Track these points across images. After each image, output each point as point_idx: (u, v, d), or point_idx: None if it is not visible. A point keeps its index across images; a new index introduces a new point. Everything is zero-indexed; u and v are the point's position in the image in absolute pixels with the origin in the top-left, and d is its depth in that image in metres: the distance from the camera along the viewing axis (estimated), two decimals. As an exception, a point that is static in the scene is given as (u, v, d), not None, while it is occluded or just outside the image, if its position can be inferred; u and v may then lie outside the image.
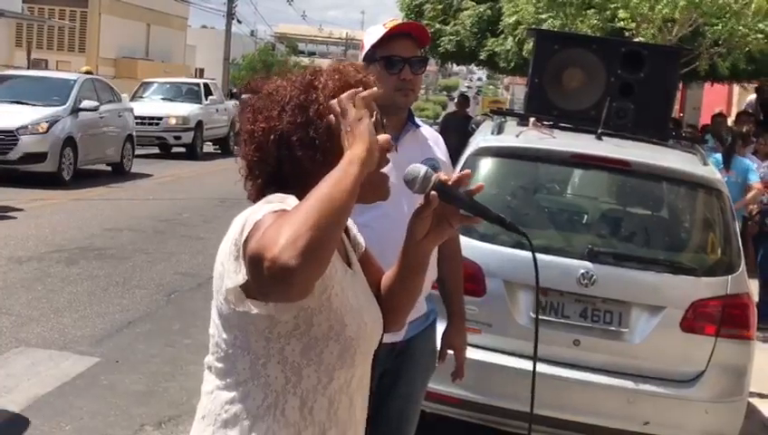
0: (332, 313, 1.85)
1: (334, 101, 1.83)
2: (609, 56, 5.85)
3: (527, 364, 4.67)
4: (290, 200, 1.84)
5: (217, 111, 24.55)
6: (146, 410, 5.46)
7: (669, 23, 10.26)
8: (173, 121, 22.40)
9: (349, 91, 1.83)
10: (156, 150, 22.50)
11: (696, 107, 23.82)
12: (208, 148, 24.84)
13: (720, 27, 10.18)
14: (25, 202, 12.79)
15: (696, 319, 4.65)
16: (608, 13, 10.77)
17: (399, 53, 3.09)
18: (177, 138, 22.50)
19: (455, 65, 31.42)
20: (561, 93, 5.89)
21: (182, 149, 22.68)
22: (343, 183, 1.68)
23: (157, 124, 22.24)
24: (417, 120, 3.28)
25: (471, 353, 4.64)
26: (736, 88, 20.47)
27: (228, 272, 1.80)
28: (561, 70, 5.91)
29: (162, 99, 23.81)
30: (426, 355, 3.32)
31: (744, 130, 9.92)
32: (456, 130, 14.47)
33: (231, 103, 25.82)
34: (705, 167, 5.22)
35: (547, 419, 4.66)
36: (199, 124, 23.10)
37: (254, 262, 1.65)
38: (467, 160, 5.11)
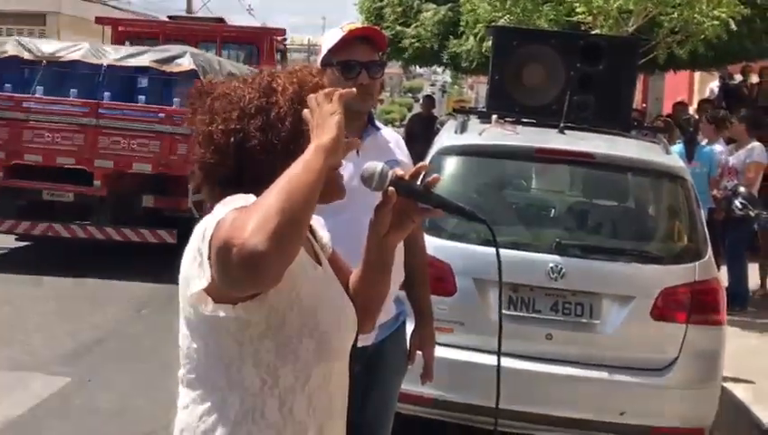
0: (304, 309, 1.85)
1: (312, 96, 1.82)
2: (567, 50, 5.87)
3: (503, 360, 4.63)
4: (251, 200, 1.81)
5: None
6: (119, 428, 5.40)
7: (625, 14, 10.32)
8: None
9: (327, 90, 1.83)
10: None
11: (659, 97, 24.00)
12: None
13: (676, 16, 10.25)
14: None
15: (665, 307, 4.67)
16: (563, 7, 10.81)
17: (357, 58, 3.06)
18: None
19: (418, 67, 31.40)
20: (521, 89, 5.91)
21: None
22: (310, 168, 1.68)
23: None
24: (378, 123, 3.26)
25: (444, 353, 4.66)
26: (697, 76, 20.64)
27: (192, 278, 1.78)
28: (520, 66, 5.92)
29: None
30: (397, 357, 3.30)
31: (721, 115, 9.91)
32: (423, 131, 14.52)
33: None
34: (668, 156, 5.25)
35: (523, 414, 4.66)
36: None
37: (223, 252, 1.62)
38: (432, 160, 5.10)
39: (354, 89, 1.87)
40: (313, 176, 1.67)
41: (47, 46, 10.28)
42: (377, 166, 1.87)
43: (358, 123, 3.11)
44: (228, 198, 1.84)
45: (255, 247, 1.56)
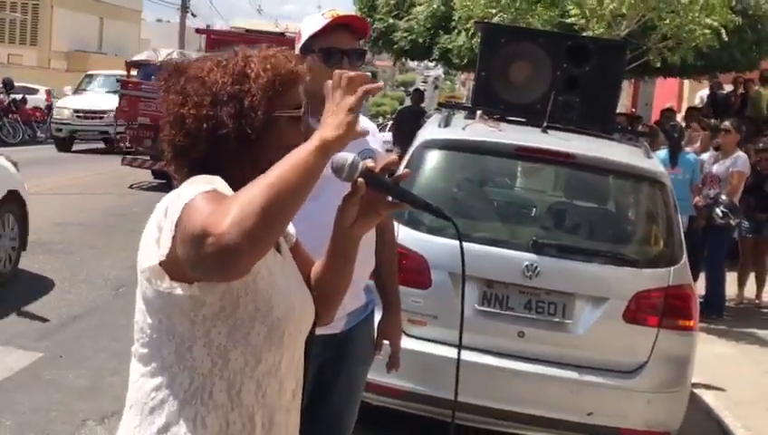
0: (258, 294, 1.83)
1: (338, 73, 1.77)
2: (555, 50, 5.87)
3: (474, 356, 4.68)
4: (218, 182, 1.81)
5: None
6: (89, 405, 5.38)
7: (619, 17, 10.33)
8: None
9: (355, 74, 1.77)
10: (101, 145, 22.17)
11: (648, 103, 24.06)
12: None
13: (668, 22, 10.27)
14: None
15: (638, 310, 4.69)
16: (558, 9, 10.82)
17: (338, 45, 3.02)
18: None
19: (410, 61, 31.37)
20: (507, 87, 5.91)
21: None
22: (305, 168, 1.65)
23: (100, 118, 21.55)
24: None
25: (417, 345, 4.67)
26: (687, 84, 20.69)
27: (148, 251, 1.78)
28: (507, 63, 5.93)
29: (107, 92, 22.77)
30: (365, 345, 3.30)
31: (722, 125, 9.94)
32: (411, 124, 14.52)
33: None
34: (649, 160, 5.26)
35: (492, 410, 4.67)
36: None
37: (198, 239, 1.61)
38: (414, 153, 5.11)
39: (381, 82, 1.87)
40: (306, 177, 1.65)
41: (160, 55, 16.27)
42: (347, 157, 1.85)
43: None
44: (195, 177, 1.84)
45: (231, 243, 1.56)
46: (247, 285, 1.81)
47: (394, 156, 1.91)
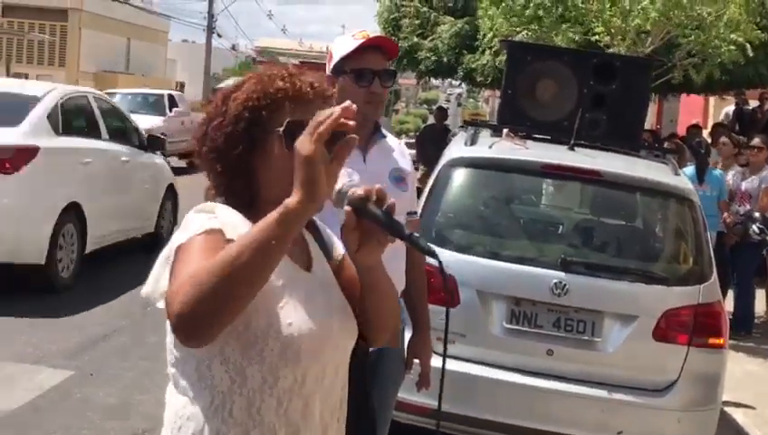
0: (271, 310, 1.82)
1: (301, 139, 1.67)
2: (581, 67, 5.87)
3: (502, 374, 4.67)
4: (219, 211, 1.86)
5: (183, 123, 22.59)
6: (119, 423, 5.40)
7: (643, 34, 10.31)
8: None
9: (309, 126, 1.67)
10: None
11: (673, 119, 23.95)
12: (173, 162, 22.33)
13: (693, 38, 10.23)
14: None
15: (668, 328, 4.66)
16: (582, 27, 10.80)
17: (370, 66, 3.07)
18: None
19: (434, 79, 31.41)
20: (534, 104, 5.91)
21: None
22: (261, 244, 1.63)
23: None
24: (383, 131, 3.27)
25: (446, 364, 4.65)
26: (712, 100, 20.59)
27: (153, 279, 1.88)
28: (533, 81, 5.93)
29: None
30: (395, 363, 3.30)
31: (751, 142, 9.88)
32: (434, 142, 14.55)
33: (200, 116, 25.22)
34: (677, 177, 5.24)
35: (520, 429, 4.65)
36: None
37: (166, 304, 1.71)
38: (441, 171, 5.11)
39: (337, 114, 1.66)
40: (263, 256, 1.63)
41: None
42: (338, 184, 1.76)
43: (365, 130, 3.12)
44: (202, 204, 1.90)
45: (180, 325, 1.65)
46: (256, 302, 1.76)
47: (378, 185, 1.77)
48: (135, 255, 10.22)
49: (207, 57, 41.98)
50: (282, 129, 1.85)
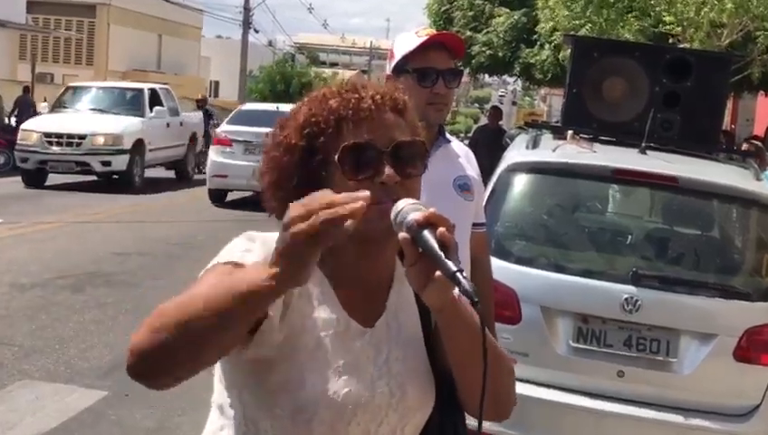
0: (294, 364, 1.73)
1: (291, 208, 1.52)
2: (652, 64, 5.82)
3: (568, 397, 4.65)
4: (260, 243, 1.75)
5: (169, 125, 20.23)
6: (156, 447, 5.48)
7: (718, 27, 10.22)
8: (100, 141, 18.07)
9: (307, 199, 1.50)
10: (77, 178, 18.79)
11: (749, 118, 23.68)
12: (158, 173, 20.66)
13: (773, 31, 10.14)
14: (29, 225, 12.91)
15: (750, 348, 4.61)
16: (651, 17, 10.73)
17: (434, 65, 3.06)
18: (106, 163, 18.11)
19: (487, 76, 31.36)
20: (601, 104, 5.87)
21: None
22: (218, 311, 1.50)
23: (78, 145, 18.05)
24: (448, 135, 3.27)
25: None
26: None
27: None
28: (600, 79, 5.89)
29: (91, 110, 19.44)
30: None
31: None
32: (488, 145, 14.50)
33: (193, 115, 22.55)
34: (759, 182, 5.18)
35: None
36: (138, 144, 18.72)
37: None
38: (500, 177, 5.11)
39: (343, 212, 1.46)
40: (218, 321, 1.50)
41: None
42: (399, 205, 1.63)
43: (428, 133, 3.13)
44: (249, 233, 1.81)
45: (129, 362, 1.57)
46: (285, 353, 1.71)
47: (434, 209, 1.58)
48: (172, 267, 10.34)
49: (243, 54, 42.28)
50: (337, 155, 1.72)
